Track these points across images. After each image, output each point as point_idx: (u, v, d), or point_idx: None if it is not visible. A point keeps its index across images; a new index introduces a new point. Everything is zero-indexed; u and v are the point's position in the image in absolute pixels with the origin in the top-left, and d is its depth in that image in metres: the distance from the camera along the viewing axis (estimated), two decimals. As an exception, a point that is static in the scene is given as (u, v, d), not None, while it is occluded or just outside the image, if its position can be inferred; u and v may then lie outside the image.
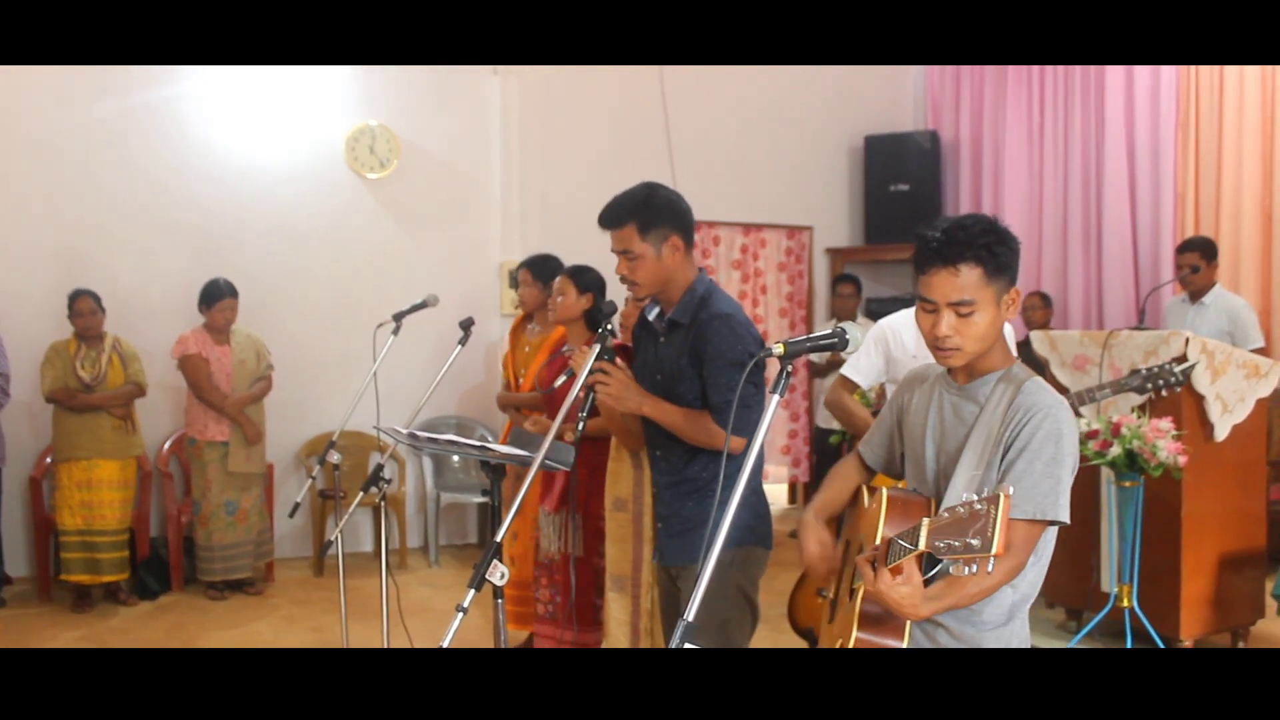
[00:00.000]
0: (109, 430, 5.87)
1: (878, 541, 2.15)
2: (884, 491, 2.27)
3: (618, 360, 2.99)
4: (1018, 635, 2.25)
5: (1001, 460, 2.14)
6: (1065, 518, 2.11)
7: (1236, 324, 5.97)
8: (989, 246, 2.13)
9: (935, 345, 2.20)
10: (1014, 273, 2.20)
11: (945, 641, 2.23)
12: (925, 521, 1.90)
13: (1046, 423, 2.11)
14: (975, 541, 1.78)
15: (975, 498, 1.82)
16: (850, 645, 2.18)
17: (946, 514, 1.86)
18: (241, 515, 6.11)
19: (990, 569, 1.80)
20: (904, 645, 2.16)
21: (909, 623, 2.16)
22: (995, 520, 1.76)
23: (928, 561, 2.06)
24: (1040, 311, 7.36)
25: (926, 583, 2.05)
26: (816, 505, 2.54)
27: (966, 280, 2.13)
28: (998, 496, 1.78)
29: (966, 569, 1.81)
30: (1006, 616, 2.22)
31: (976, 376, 2.25)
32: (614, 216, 3.00)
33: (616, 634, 3.73)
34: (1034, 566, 2.22)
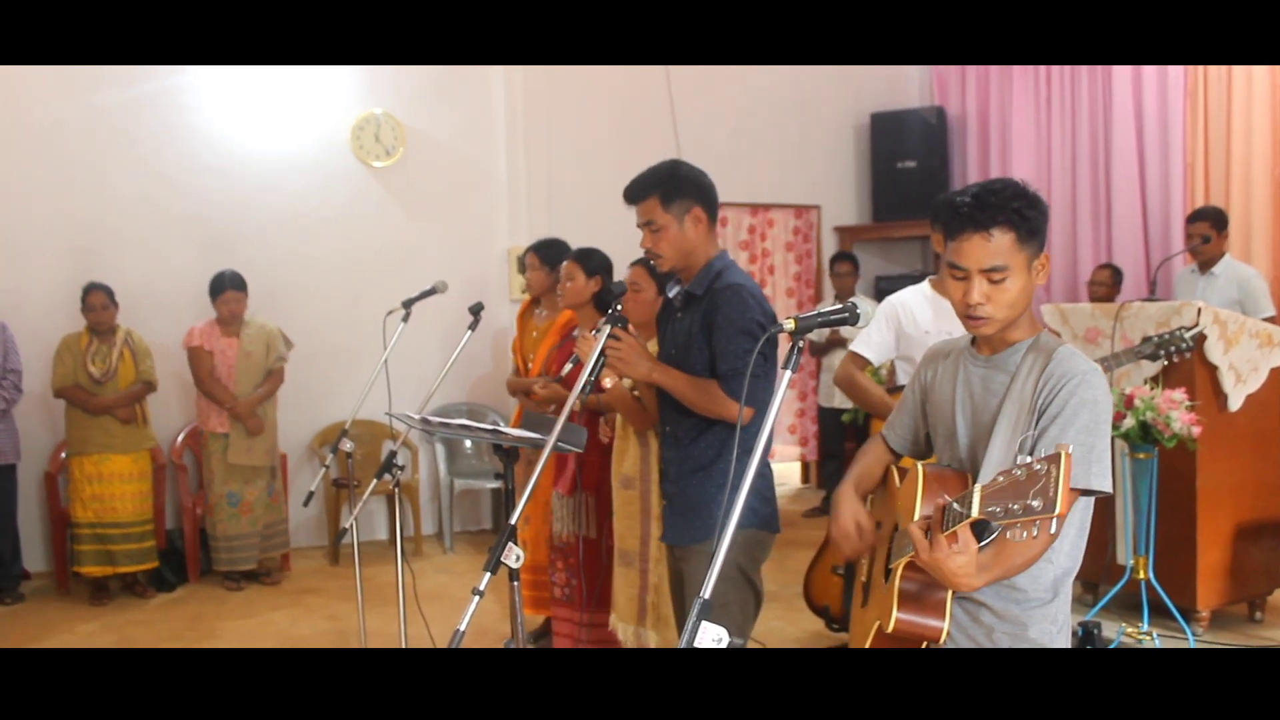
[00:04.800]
0: (119, 425, 5.90)
1: (916, 518, 2.07)
2: (920, 467, 2.20)
3: (630, 328, 3.00)
4: (1062, 611, 2.21)
5: (1035, 428, 2.08)
6: (1101, 486, 2.04)
7: (1247, 293, 5.93)
8: (1020, 210, 2.08)
9: (966, 313, 2.13)
10: (1044, 237, 2.14)
11: (988, 620, 2.18)
12: (977, 487, 1.82)
13: (1081, 389, 2.06)
14: (1036, 503, 1.70)
15: (1030, 459, 1.75)
16: (890, 626, 2.11)
17: (1002, 478, 1.78)
18: (245, 507, 6.12)
19: (1053, 529, 1.73)
20: (945, 625, 2.10)
21: (950, 602, 2.11)
22: (1057, 479, 1.68)
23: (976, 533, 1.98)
24: (1106, 288, 6.94)
25: None
26: (853, 479, 2.48)
27: (999, 245, 2.07)
28: (1058, 455, 1.70)
29: (1025, 533, 1.74)
30: (1051, 592, 2.18)
31: (1004, 347, 2.19)
32: (638, 189, 3.04)
33: (625, 607, 3.75)
34: (1070, 538, 2.17)
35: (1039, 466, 1.72)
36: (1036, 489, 1.71)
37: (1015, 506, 1.73)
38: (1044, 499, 1.69)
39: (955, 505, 1.88)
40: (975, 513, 1.80)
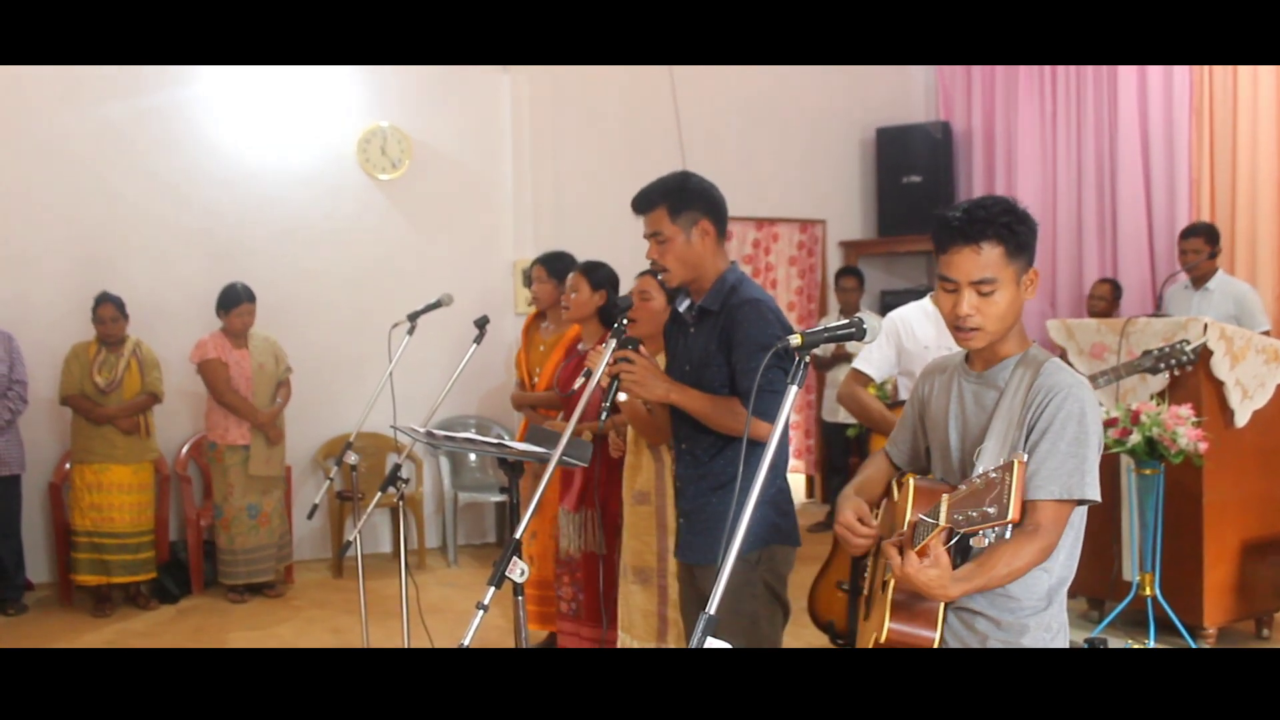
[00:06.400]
0: (121, 435, 5.90)
1: (905, 529, 2.14)
2: (911, 480, 2.28)
3: (641, 348, 2.96)
4: (1057, 619, 2.25)
5: (1025, 443, 2.15)
6: (1093, 496, 2.12)
7: (1242, 308, 5.91)
8: (1009, 225, 2.15)
9: (956, 326, 2.21)
10: (1032, 253, 2.21)
11: (983, 628, 2.22)
12: (945, 497, 1.92)
13: (1068, 403, 2.13)
14: (991, 509, 1.80)
15: (989, 469, 1.84)
16: (883, 636, 2.15)
17: (964, 487, 1.89)
18: (264, 519, 6.13)
19: (1008, 535, 1.85)
20: (936, 635, 2.15)
21: (942, 611, 2.15)
22: (1010, 486, 1.78)
23: (959, 547, 2.05)
24: (1105, 303, 6.88)
25: (957, 565, 2.05)
26: (855, 484, 2.53)
27: (988, 258, 2.15)
28: (1011, 464, 1.80)
29: (986, 538, 1.84)
30: (1045, 600, 2.22)
31: (994, 362, 2.26)
32: (646, 200, 3.00)
33: (641, 625, 3.73)
34: (1066, 548, 2.21)
35: (995, 475, 1.85)
36: (992, 496, 1.83)
37: (974, 513, 1.85)
38: (998, 505, 1.81)
39: (926, 517, 1.98)
40: (943, 521, 1.92)
